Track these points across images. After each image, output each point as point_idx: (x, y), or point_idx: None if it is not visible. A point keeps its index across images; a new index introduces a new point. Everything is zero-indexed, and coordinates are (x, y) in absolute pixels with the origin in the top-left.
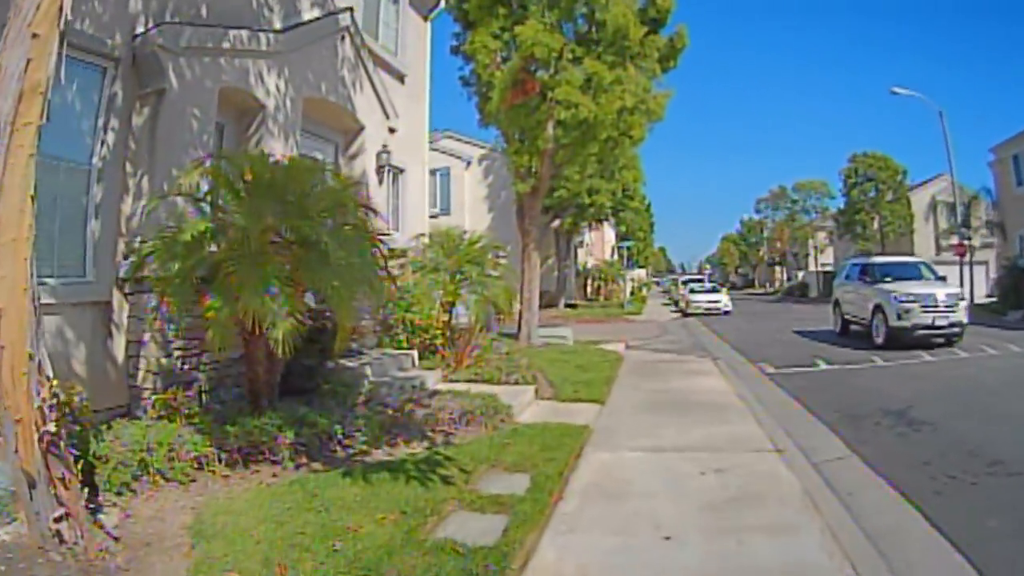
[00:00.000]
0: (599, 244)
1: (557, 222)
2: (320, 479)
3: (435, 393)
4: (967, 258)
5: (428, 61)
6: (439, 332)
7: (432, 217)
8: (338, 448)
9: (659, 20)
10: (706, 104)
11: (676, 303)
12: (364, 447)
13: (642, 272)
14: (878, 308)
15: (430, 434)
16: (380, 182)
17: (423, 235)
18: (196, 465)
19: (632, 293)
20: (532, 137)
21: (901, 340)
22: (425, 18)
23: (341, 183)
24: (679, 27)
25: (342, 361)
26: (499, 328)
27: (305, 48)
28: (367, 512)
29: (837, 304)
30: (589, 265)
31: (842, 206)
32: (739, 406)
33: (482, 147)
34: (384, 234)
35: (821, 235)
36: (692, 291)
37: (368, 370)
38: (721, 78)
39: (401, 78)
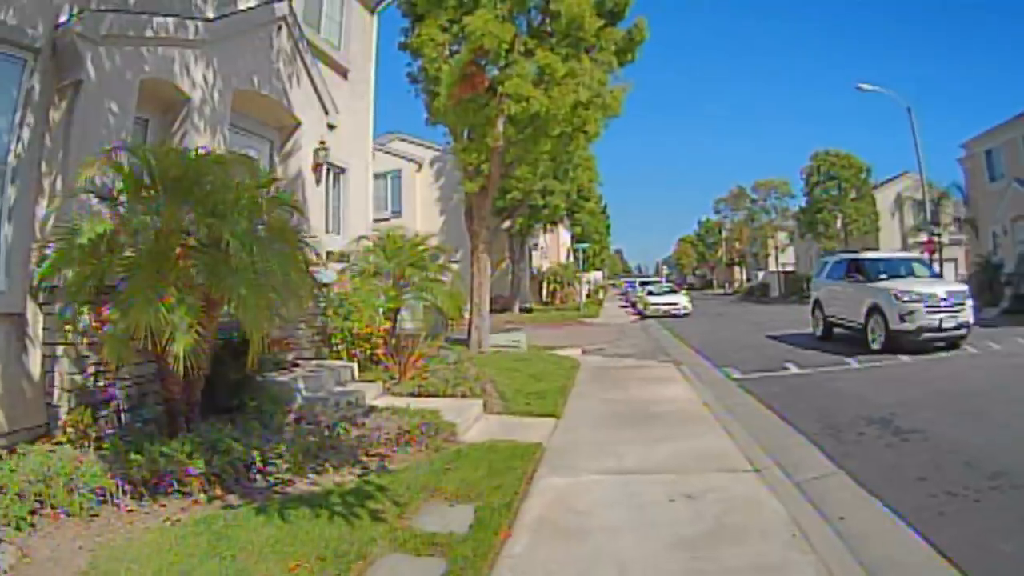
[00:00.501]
0: (554, 246)
1: (509, 223)
2: (231, 517)
3: (372, 410)
4: (936, 255)
5: (374, 57)
6: (381, 341)
7: (383, 220)
8: (258, 476)
9: (617, 12)
10: (665, 103)
11: (633, 305)
12: (287, 475)
13: (598, 275)
14: (874, 309)
15: (363, 458)
16: (318, 181)
17: (365, 238)
18: (100, 497)
19: (588, 296)
20: (481, 134)
21: (903, 345)
22: (372, 12)
23: (260, 178)
24: (638, 20)
25: (273, 375)
26: (449, 334)
27: (237, 38)
28: (280, 559)
29: (818, 305)
30: (544, 268)
31: (803, 205)
32: (708, 417)
33: (434, 149)
34: (311, 236)
35: (782, 235)
36: (650, 293)
37: (301, 384)
38: (680, 75)
39: (344, 73)
